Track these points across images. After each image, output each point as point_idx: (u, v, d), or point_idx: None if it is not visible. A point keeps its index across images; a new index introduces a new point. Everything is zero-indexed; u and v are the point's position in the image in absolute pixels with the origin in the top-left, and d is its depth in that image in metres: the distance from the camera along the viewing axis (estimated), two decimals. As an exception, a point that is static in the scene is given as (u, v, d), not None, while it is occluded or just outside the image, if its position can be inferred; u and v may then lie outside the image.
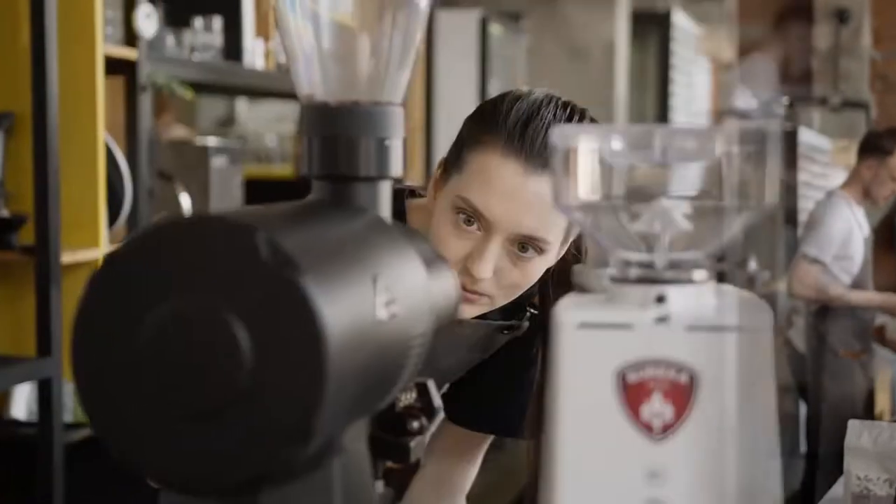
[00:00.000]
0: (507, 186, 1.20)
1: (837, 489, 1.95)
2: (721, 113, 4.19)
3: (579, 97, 1.28)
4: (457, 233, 1.23)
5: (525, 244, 1.23)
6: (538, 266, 1.25)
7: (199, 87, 3.13)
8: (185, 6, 2.89)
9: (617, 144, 0.66)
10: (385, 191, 0.77)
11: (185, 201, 2.82)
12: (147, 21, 2.53)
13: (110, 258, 0.61)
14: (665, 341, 0.64)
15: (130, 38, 2.55)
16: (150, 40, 2.61)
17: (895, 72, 9.70)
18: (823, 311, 4.17)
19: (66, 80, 2.33)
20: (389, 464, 0.85)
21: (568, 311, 0.65)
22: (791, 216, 6.34)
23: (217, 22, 2.93)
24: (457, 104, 5.20)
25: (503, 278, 1.24)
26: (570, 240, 1.30)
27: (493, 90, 6.23)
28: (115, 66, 2.52)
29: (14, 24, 2.30)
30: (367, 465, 0.71)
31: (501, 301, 1.27)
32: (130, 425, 0.61)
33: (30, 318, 2.27)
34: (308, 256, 0.60)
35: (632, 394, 0.64)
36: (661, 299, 0.65)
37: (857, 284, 4.16)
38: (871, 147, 4.25)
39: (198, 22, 2.91)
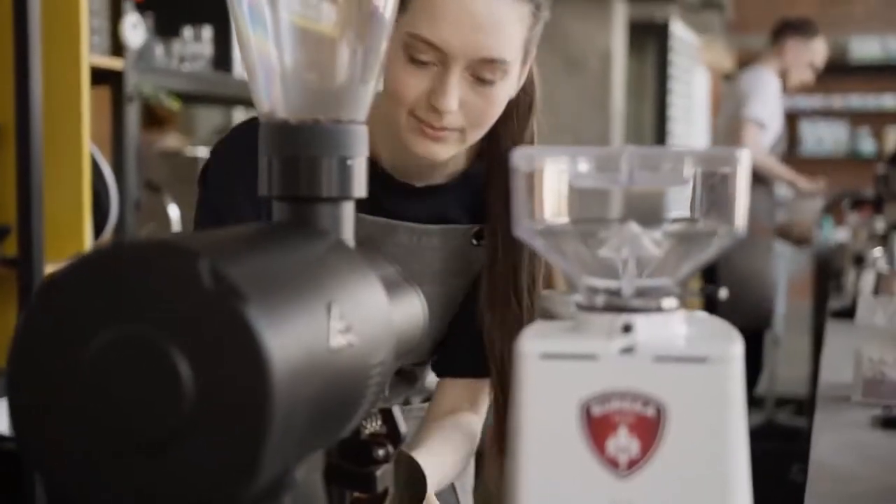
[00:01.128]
0: (455, 11, 1.19)
1: (841, 374, 1.81)
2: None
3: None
4: (412, 71, 1.22)
5: (484, 72, 1.21)
6: (502, 91, 1.24)
7: (190, 97, 3.10)
8: (175, 16, 2.86)
9: (583, 167, 0.63)
10: (348, 211, 0.75)
11: (174, 212, 2.79)
12: (134, 31, 2.50)
13: (49, 282, 0.58)
14: (631, 373, 0.61)
15: (117, 47, 2.52)
16: (139, 50, 2.59)
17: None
18: None
19: (51, 91, 2.30)
20: (356, 494, 0.82)
21: (530, 341, 0.62)
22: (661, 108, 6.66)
23: (207, 31, 2.90)
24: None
25: (470, 109, 1.23)
26: (529, 63, 1.29)
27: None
28: (102, 76, 2.50)
29: (-1, 33, 2.27)
30: (321, 500, 0.68)
31: (473, 135, 1.26)
32: (68, 457, 0.58)
33: (12, 331, 2.23)
34: (255, 284, 0.57)
35: (597, 427, 0.61)
36: (627, 329, 0.62)
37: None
38: (796, 29, 4.32)
39: (187, 31, 2.89)
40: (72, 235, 2.35)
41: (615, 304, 0.63)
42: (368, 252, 0.76)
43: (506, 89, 1.25)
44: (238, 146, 1.37)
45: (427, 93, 1.22)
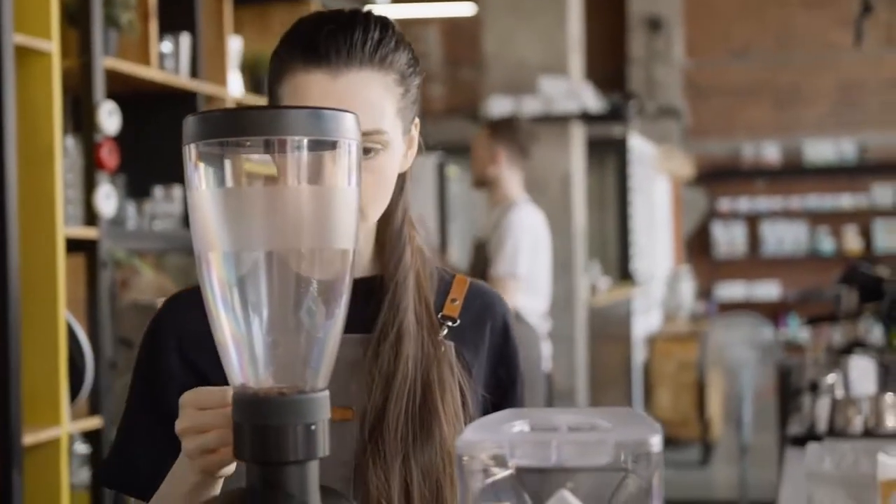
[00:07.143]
0: (317, 96, 1.18)
1: None
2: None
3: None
4: None
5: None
6: (388, 163, 1.22)
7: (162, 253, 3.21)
8: (146, 177, 2.98)
9: (518, 451, 0.72)
10: (313, 470, 0.84)
11: (148, 367, 2.85)
12: (106, 201, 2.61)
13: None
14: None
15: (91, 217, 2.62)
16: (111, 217, 2.69)
17: (707, 79, 10.00)
18: None
19: (28, 263, 2.39)
20: None
21: None
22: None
23: (177, 190, 3.02)
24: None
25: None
26: (414, 135, 1.27)
27: (454, 229, 6.35)
28: (77, 245, 2.59)
29: (-24, 208, 2.36)
30: None
31: (373, 214, 1.23)
32: None
33: (-8, 500, 2.29)
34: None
35: None
36: None
37: None
38: None
39: (158, 191, 3.00)
40: (48, 402, 2.41)
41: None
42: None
43: (391, 163, 1.23)
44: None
45: None
